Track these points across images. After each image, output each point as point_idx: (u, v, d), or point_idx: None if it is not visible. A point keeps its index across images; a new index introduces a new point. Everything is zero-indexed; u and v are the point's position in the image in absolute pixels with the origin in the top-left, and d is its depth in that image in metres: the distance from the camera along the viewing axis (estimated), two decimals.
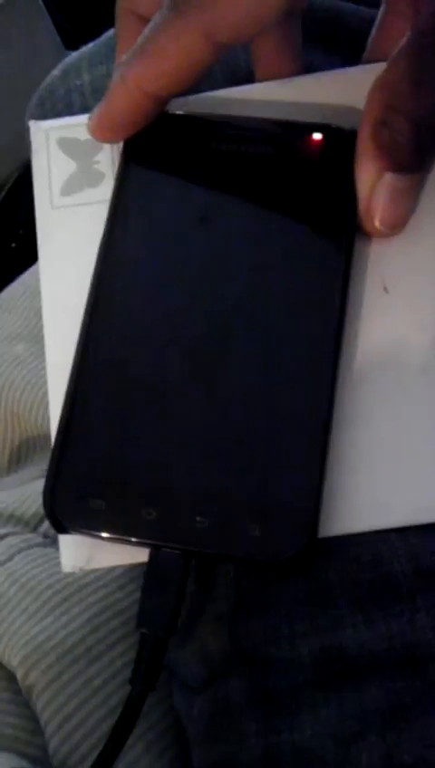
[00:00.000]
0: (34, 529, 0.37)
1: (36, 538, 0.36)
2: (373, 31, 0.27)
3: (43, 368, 0.46)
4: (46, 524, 0.37)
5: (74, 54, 0.34)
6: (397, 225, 0.24)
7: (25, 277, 0.53)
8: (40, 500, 0.38)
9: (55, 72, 0.34)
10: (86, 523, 0.23)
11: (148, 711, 0.22)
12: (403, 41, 0.21)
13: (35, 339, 0.47)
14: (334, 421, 0.23)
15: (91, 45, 0.34)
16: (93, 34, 0.36)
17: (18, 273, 0.55)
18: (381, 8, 0.27)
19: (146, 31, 0.23)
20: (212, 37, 0.22)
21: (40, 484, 0.40)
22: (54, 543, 0.36)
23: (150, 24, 0.23)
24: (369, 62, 0.27)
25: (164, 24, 0.23)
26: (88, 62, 0.33)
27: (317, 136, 0.25)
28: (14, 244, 0.99)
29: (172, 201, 0.26)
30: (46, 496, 0.23)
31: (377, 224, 0.23)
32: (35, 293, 0.49)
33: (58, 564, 0.33)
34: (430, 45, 0.20)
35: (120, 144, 0.26)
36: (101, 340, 0.24)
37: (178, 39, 0.22)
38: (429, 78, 0.20)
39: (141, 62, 0.23)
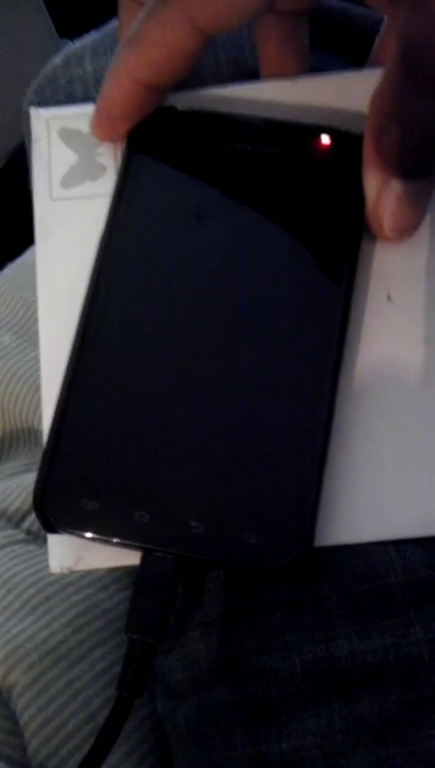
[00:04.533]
0: (17, 525, 0.36)
1: (19, 534, 0.35)
2: (377, 39, 0.27)
3: (30, 359, 0.46)
4: (30, 520, 0.36)
5: (77, 43, 0.33)
6: (404, 231, 0.24)
7: (13, 267, 0.52)
8: (23, 495, 0.38)
9: (57, 60, 0.33)
10: (78, 524, 0.22)
11: (129, 715, 0.22)
12: (392, 49, 0.21)
13: (22, 330, 0.46)
14: (334, 430, 0.23)
15: (94, 35, 0.33)
16: (87, 22, 0.36)
17: (3, 262, 0.54)
18: (386, 17, 0.27)
19: (136, 21, 0.23)
20: (196, 26, 0.22)
21: (24, 479, 0.39)
22: (37, 540, 0.35)
23: (140, 14, 0.23)
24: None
25: (150, 13, 0.23)
26: (91, 51, 0.32)
27: (325, 139, 0.25)
28: None
29: (175, 198, 0.25)
30: (37, 495, 0.23)
31: (385, 229, 0.23)
32: (24, 284, 0.48)
33: (41, 561, 0.33)
34: (412, 52, 0.20)
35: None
36: (98, 338, 0.24)
37: (163, 28, 0.23)
38: (419, 86, 0.20)
39: (130, 51, 0.23)
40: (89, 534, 0.22)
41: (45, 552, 0.24)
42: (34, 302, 0.26)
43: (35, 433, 0.42)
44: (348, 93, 0.26)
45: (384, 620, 0.22)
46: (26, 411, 0.43)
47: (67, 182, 0.27)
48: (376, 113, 0.22)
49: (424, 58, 0.19)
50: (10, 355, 0.45)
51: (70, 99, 0.32)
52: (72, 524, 0.22)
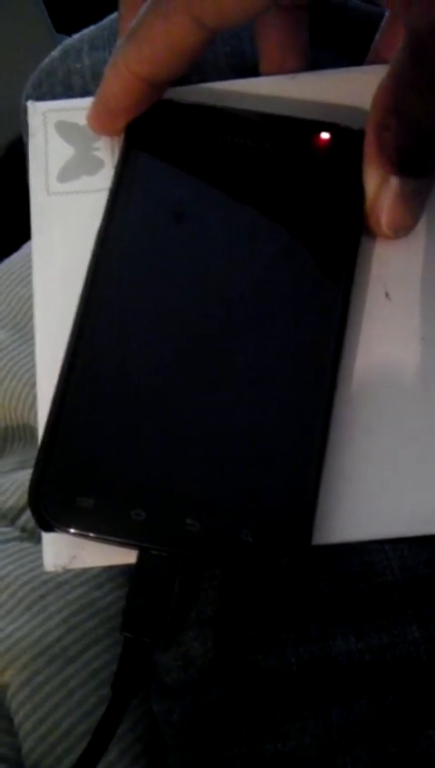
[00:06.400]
0: (12, 522, 0.36)
1: (14, 531, 0.35)
2: (377, 35, 0.27)
3: (26, 356, 0.45)
4: (24, 518, 0.36)
5: (75, 37, 0.33)
6: (401, 229, 0.24)
7: (9, 262, 0.52)
8: (19, 492, 0.37)
9: (54, 53, 0.33)
10: (73, 522, 0.22)
11: (124, 715, 0.22)
12: (400, 44, 0.21)
13: (18, 326, 0.46)
14: (332, 429, 0.22)
15: (92, 28, 0.33)
16: (84, 18, 0.35)
17: None
18: (386, 13, 0.27)
19: (138, 14, 0.23)
20: (199, 21, 0.22)
21: (19, 476, 0.39)
22: (32, 538, 0.35)
23: (142, 7, 0.23)
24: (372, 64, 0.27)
25: (153, 6, 0.22)
26: (89, 45, 0.32)
27: (325, 135, 0.25)
28: None
29: (173, 193, 0.25)
30: (32, 492, 0.22)
31: (383, 226, 0.23)
32: (20, 280, 0.48)
33: (36, 559, 0.33)
34: (423, 47, 0.19)
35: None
36: (95, 335, 0.23)
37: (166, 22, 0.22)
38: (426, 81, 0.20)
39: (131, 44, 0.23)
40: (84, 532, 0.22)
41: (40, 549, 0.24)
42: (30, 298, 0.26)
43: (31, 430, 0.42)
44: (348, 90, 0.26)
45: (381, 619, 0.22)
46: (22, 408, 0.42)
47: (64, 176, 0.27)
48: (379, 108, 0.22)
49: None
50: (5, 351, 0.45)
51: (67, 92, 0.31)
52: (68, 522, 0.22)
